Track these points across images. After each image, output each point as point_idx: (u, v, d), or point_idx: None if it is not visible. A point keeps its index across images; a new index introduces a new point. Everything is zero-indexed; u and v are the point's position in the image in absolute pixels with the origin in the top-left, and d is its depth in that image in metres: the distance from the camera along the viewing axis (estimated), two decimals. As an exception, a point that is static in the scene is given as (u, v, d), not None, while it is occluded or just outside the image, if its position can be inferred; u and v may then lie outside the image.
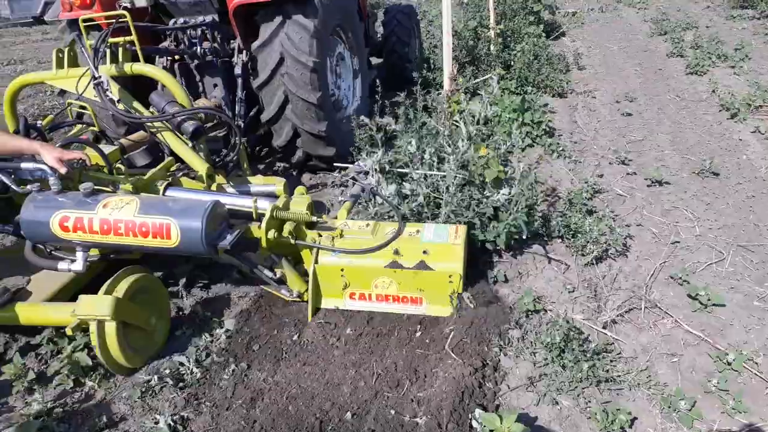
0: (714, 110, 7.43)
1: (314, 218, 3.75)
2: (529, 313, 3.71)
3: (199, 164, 4.22)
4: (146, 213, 3.26)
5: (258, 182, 4.74)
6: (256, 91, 5.39)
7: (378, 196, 4.40)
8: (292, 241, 3.61)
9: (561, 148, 6.30)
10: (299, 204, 3.81)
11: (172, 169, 4.40)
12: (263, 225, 3.52)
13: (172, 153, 4.43)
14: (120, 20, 4.45)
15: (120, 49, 4.46)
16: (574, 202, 5.00)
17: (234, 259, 3.69)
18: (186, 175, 4.38)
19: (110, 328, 3.14)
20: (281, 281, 3.90)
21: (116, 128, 5.36)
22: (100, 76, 4.21)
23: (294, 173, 6.33)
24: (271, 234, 3.53)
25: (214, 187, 4.23)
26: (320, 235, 3.72)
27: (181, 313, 4.03)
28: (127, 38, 4.50)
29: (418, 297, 3.60)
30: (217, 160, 4.69)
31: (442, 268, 3.47)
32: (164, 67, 5.55)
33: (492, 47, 8.44)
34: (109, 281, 3.28)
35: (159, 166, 4.25)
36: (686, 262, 4.29)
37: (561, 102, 8.22)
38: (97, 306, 3.11)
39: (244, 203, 3.91)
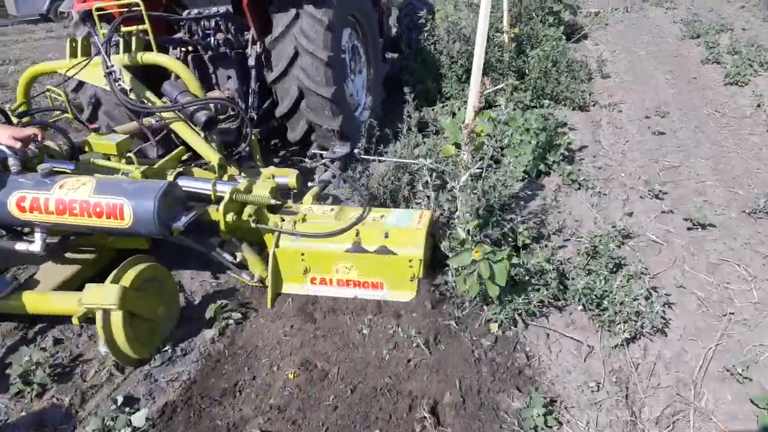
0: (761, 129, 6.35)
1: (273, 201, 3.67)
2: None
3: (212, 154, 4.19)
4: (100, 193, 3.30)
5: (270, 174, 4.57)
6: (271, 86, 5.38)
7: (347, 182, 4.38)
8: (253, 225, 3.59)
9: (582, 178, 5.27)
10: (262, 188, 3.77)
11: (183, 159, 4.39)
12: (221, 208, 3.51)
13: (183, 143, 4.42)
14: (133, 9, 4.45)
15: (133, 39, 4.45)
16: (600, 252, 4.01)
17: (192, 242, 3.64)
18: (198, 165, 4.39)
19: (116, 317, 3.10)
20: (243, 266, 3.82)
21: (136, 118, 5.08)
22: (112, 65, 4.21)
23: (285, 162, 6.14)
24: (230, 217, 3.54)
25: (225, 177, 4.17)
26: (283, 220, 3.71)
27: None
28: (140, 27, 4.45)
29: (379, 282, 3.54)
30: (229, 151, 4.66)
31: (403, 252, 3.41)
32: (177, 59, 5.32)
33: (505, 53, 7.41)
34: (116, 270, 3.23)
35: (169, 156, 4.21)
36: (744, 345, 3.29)
37: (582, 117, 7.17)
38: (103, 295, 3.07)
39: (204, 186, 3.87)
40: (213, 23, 5.34)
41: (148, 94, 4.38)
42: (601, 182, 5.40)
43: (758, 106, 6.96)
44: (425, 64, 7.72)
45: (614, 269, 3.95)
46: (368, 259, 3.48)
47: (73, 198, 3.29)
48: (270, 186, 3.80)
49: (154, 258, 3.57)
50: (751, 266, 4.03)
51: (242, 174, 4.37)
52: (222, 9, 5.24)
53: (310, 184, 4.61)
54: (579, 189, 5.22)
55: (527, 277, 3.47)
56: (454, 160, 3.85)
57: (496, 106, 7.10)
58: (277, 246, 3.62)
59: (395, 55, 8.16)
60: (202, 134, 4.35)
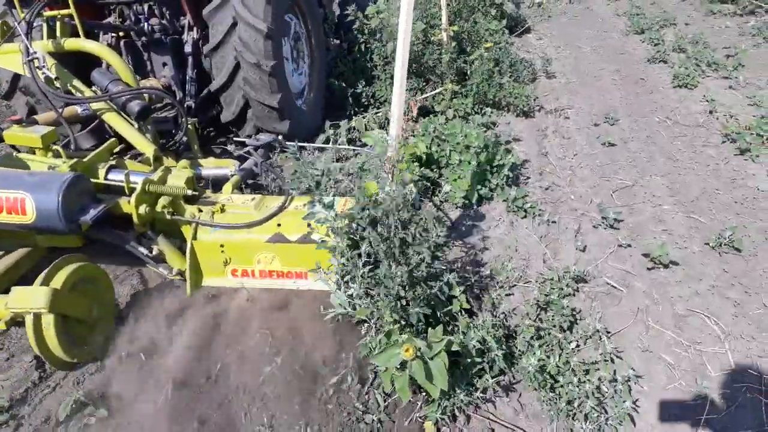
0: (716, 140, 5.84)
1: (189, 192, 3.51)
2: None
3: (146, 146, 4.03)
4: (0, 187, 3.08)
5: (210, 165, 4.42)
6: (207, 57, 5.07)
7: (270, 171, 4.20)
8: (168, 217, 3.44)
9: (529, 204, 4.62)
10: (177, 178, 3.61)
11: (115, 151, 4.13)
12: (133, 199, 3.33)
13: (116, 134, 4.18)
14: None
15: (58, 24, 4.17)
16: (551, 303, 3.38)
17: (105, 236, 3.48)
18: (133, 157, 4.16)
19: (47, 321, 2.93)
20: (160, 259, 3.59)
21: (55, 108, 4.65)
22: (35, 52, 3.93)
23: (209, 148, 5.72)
24: (143, 209, 3.37)
25: (160, 169, 3.82)
26: (200, 210, 3.53)
27: None
28: (64, 12, 4.15)
29: (303, 271, 3.39)
30: (166, 141, 4.50)
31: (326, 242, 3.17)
32: (109, 45, 5.10)
33: (444, 54, 6.67)
34: (45, 271, 3.04)
35: (100, 148, 3.94)
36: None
37: (527, 125, 6.53)
38: (31, 298, 2.89)
39: (117, 178, 3.65)
40: (146, 8, 5.08)
41: (76, 82, 4.10)
42: (550, 207, 4.77)
43: (710, 112, 6.47)
44: (356, 63, 6.92)
45: (569, 326, 3.31)
46: (290, 248, 3.32)
47: None
48: (186, 176, 3.62)
49: (87, 257, 3.35)
50: (721, 317, 3.46)
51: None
52: None
53: (230, 172, 4.30)
54: (525, 217, 4.57)
55: (468, 360, 2.77)
56: (376, 201, 3.10)
57: (434, 113, 6.43)
58: (195, 238, 3.44)
59: (338, 42, 7.39)
60: (136, 125, 4.14)
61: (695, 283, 3.78)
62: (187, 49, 5.21)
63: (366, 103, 6.60)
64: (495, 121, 6.44)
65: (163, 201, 3.51)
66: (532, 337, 3.16)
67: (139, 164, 4.05)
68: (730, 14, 11.19)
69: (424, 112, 6.51)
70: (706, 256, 4.07)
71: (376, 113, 6.37)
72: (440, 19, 6.86)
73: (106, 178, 3.71)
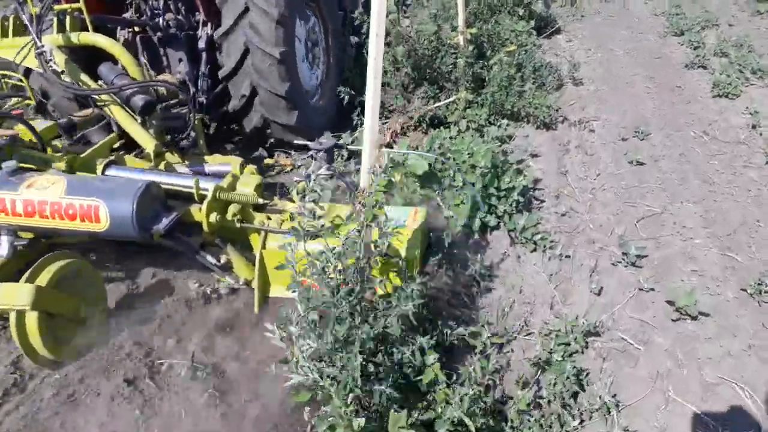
0: (759, 160, 5.19)
1: (261, 200, 3.47)
2: None
3: (147, 141, 3.95)
4: (73, 194, 3.04)
5: (214, 161, 4.31)
6: (218, 43, 4.97)
7: (338, 177, 3.87)
8: (238, 225, 3.34)
9: (540, 234, 4.07)
10: (246, 184, 3.53)
11: (115, 146, 4.12)
12: (204, 207, 3.24)
13: (119, 129, 4.13)
14: None
15: (68, 18, 4.13)
16: (553, 362, 2.86)
17: (174, 244, 3.36)
18: (139, 154, 4.12)
19: (31, 319, 2.83)
20: (227, 267, 3.48)
21: (67, 102, 4.74)
22: (42, 46, 3.92)
23: (260, 154, 5.64)
24: (213, 217, 3.27)
25: (162, 165, 3.93)
26: (269, 218, 3.44)
27: None
28: (74, 6, 4.11)
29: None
30: (172, 137, 4.32)
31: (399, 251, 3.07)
32: (126, 40, 5.03)
33: (459, 59, 6.13)
34: (31, 268, 2.93)
35: (100, 143, 3.94)
36: None
37: (548, 138, 5.94)
38: (15, 295, 2.78)
39: (185, 183, 3.55)
40: (162, 3, 4.99)
41: (83, 76, 4.02)
42: (565, 237, 4.22)
43: (753, 127, 5.79)
44: (365, 68, 6.40)
45: (572, 395, 2.78)
46: None
47: (42, 199, 3.04)
48: (255, 182, 3.54)
49: (77, 254, 3.23)
50: (758, 389, 2.88)
51: (186, 162, 4.16)
52: None
53: (296, 178, 4.22)
54: (535, 250, 4.02)
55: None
56: (349, 248, 2.61)
57: (446, 125, 5.89)
58: (263, 247, 3.33)
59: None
60: (139, 119, 4.05)
61: (728, 340, 3.21)
62: (201, 44, 5.13)
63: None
64: (512, 134, 5.87)
65: (233, 208, 3.40)
66: (525, 410, 2.65)
67: (140, 161, 3.96)
68: (779, 14, 10.35)
69: (437, 122, 5.99)
70: (743, 305, 3.47)
71: (384, 124, 5.88)
72: (457, 20, 6.30)
73: (104, 173, 3.65)
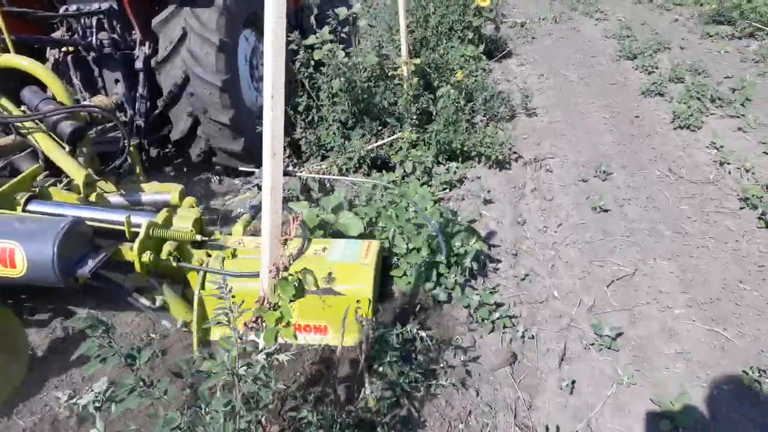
0: (732, 204, 4.66)
1: (198, 237, 3.15)
2: None
3: (76, 171, 3.60)
4: None
5: (151, 190, 3.90)
6: (156, 71, 4.72)
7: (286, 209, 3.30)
8: (174, 264, 3.03)
9: (498, 314, 3.38)
10: (184, 219, 3.25)
11: (39, 178, 3.62)
12: (136, 246, 2.92)
13: (46, 159, 3.72)
14: None
15: None
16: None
17: (103, 286, 3.13)
18: (67, 184, 3.68)
19: None
20: (164, 309, 3.22)
21: None
22: None
23: (207, 178, 5.40)
24: (146, 256, 2.95)
25: (93, 197, 3.57)
26: (209, 255, 3.17)
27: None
28: None
29: (323, 325, 3.04)
30: (106, 164, 4.07)
31: (350, 292, 2.94)
32: (56, 60, 4.81)
33: (402, 94, 5.46)
34: None
35: (21, 175, 3.49)
36: None
37: (502, 179, 5.31)
38: None
39: (116, 219, 3.19)
40: (95, 21, 4.71)
41: (4, 101, 3.79)
42: (526, 310, 3.56)
43: (721, 164, 5.29)
44: (297, 101, 5.69)
45: None
46: (309, 300, 2.89)
47: None
48: (193, 217, 3.29)
49: None
50: None
51: (120, 191, 3.84)
52: (105, 5, 4.62)
53: (240, 210, 3.94)
54: (493, 331, 3.33)
55: None
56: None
57: (390, 166, 5.20)
58: (202, 287, 3.09)
59: None
60: (67, 147, 3.76)
61: (730, 456, 2.57)
62: (138, 65, 4.81)
63: (307, 151, 5.37)
64: (463, 176, 5.23)
65: (168, 246, 3.08)
66: None
67: (66, 193, 3.57)
68: (728, 37, 10.13)
69: (380, 163, 5.29)
70: (737, 401, 2.86)
71: (320, 165, 5.15)
72: (399, 51, 5.65)
73: (24, 210, 3.23)
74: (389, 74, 5.63)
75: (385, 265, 3.57)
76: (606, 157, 5.66)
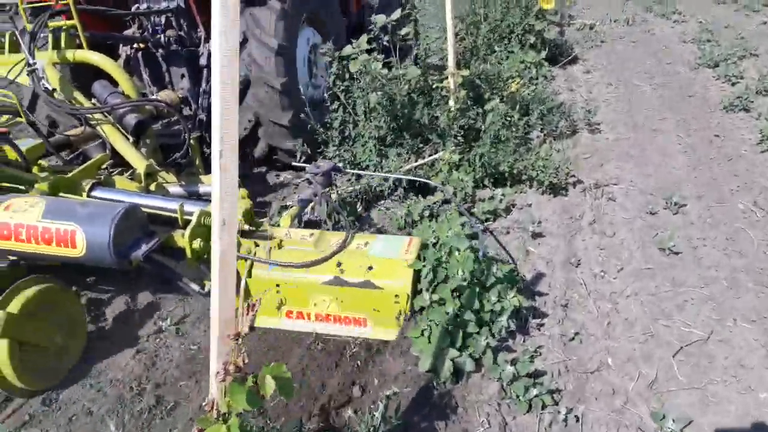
0: (834, 251, 3.85)
1: (246, 227, 3.25)
2: None
3: (138, 161, 3.76)
4: (50, 217, 2.91)
5: (209, 182, 3.93)
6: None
7: (328, 203, 3.75)
8: None
9: (534, 385, 2.78)
10: None
11: (103, 166, 3.93)
12: (187, 233, 3.01)
13: (112, 149, 3.95)
14: (60, 1, 3.97)
15: (63, 35, 4.05)
16: None
17: (156, 270, 3.31)
18: (130, 173, 3.89)
19: (1, 347, 2.71)
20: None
21: (61, 121, 4.70)
22: (35, 63, 3.81)
23: (266, 172, 5.47)
24: (197, 243, 3.04)
25: (153, 186, 3.70)
26: (257, 245, 3.21)
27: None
28: (69, 22, 3.98)
29: (362, 317, 3.08)
30: (167, 156, 4.20)
31: (389, 287, 2.98)
32: (128, 56, 5.07)
33: (451, 105, 4.89)
34: (4, 294, 2.82)
35: (87, 163, 3.77)
36: None
37: (556, 207, 4.66)
38: None
39: (170, 207, 3.35)
40: (164, 19, 4.89)
41: (76, 94, 3.97)
42: (573, 381, 2.94)
43: (820, 199, 4.45)
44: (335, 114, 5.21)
45: None
46: (350, 292, 3.03)
47: (19, 222, 2.89)
48: (244, 207, 3.33)
49: (54, 278, 3.09)
50: None
51: (181, 182, 3.95)
52: (172, 4, 4.76)
53: (289, 203, 4.03)
54: (529, 411, 2.74)
55: None
56: None
57: (429, 189, 4.64)
58: (249, 275, 3.15)
59: None
60: (131, 139, 3.93)
61: None
62: (202, 61, 4.88)
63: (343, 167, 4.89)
64: (511, 203, 4.61)
65: None
66: None
67: (129, 181, 3.73)
68: (826, 41, 8.97)
69: (418, 186, 4.74)
70: None
71: (354, 187, 4.66)
72: (446, 61, 5.07)
73: (89, 196, 3.43)
74: (434, 87, 5.05)
75: None
76: (679, 183, 4.90)
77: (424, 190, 4.70)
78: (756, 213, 4.39)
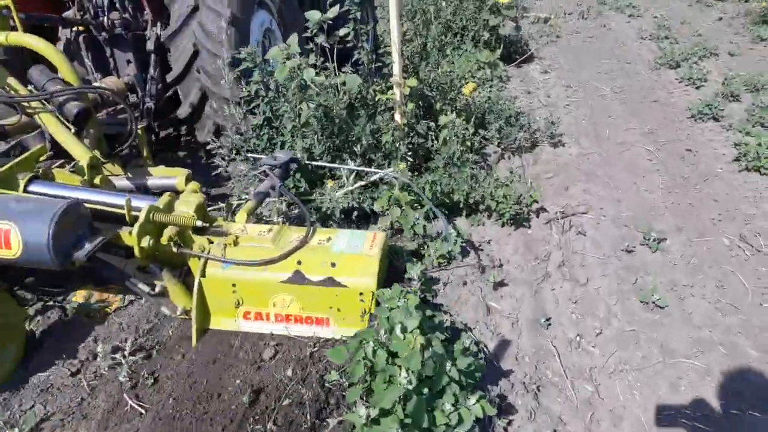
0: (838, 303, 3.24)
1: (199, 223, 2.92)
2: None
3: (81, 152, 3.41)
4: None
5: (158, 174, 3.75)
6: (166, 46, 4.49)
7: (287, 196, 3.50)
8: (175, 250, 2.89)
9: None
10: (186, 204, 3.03)
11: (41, 158, 3.50)
12: (135, 230, 2.78)
13: (52, 139, 3.53)
14: None
15: None
16: None
17: (101, 270, 3.08)
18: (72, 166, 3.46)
19: None
20: (163, 295, 3.08)
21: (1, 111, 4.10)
22: None
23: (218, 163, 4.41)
24: (146, 241, 2.79)
25: (98, 180, 3.37)
26: (211, 242, 2.98)
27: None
28: (0, 3, 3.62)
29: (325, 317, 2.89)
30: (113, 147, 3.84)
31: (353, 284, 2.78)
32: (68, 40, 4.63)
33: (397, 121, 4.08)
34: None
35: (23, 155, 3.33)
36: None
37: (518, 243, 3.94)
38: None
39: (116, 202, 3.03)
40: (106, 0, 4.51)
41: (11, 80, 3.53)
42: None
43: (812, 231, 3.86)
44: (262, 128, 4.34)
45: None
46: (311, 291, 2.81)
47: None
48: (196, 202, 3.03)
49: None
50: None
51: (128, 174, 3.72)
52: None
53: (245, 197, 3.74)
54: None
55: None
56: None
57: (371, 216, 3.83)
58: (203, 274, 2.90)
59: None
60: (73, 129, 3.53)
61: None
62: (149, 45, 4.55)
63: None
64: (468, 238, 3.86)
65: (169, 231, 2.87)
66: None
67: (70, 174, 3.37)
68: (783, 41, 8.55)
69: (360, 214, 3.94)
70: None
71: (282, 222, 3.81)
72: (391, 70, 4.23)
73: (25, 190, 3.06)
74: (377, 99, 4.23)
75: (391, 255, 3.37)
76: (655, 211, 4.26)
77: (368, 217, 3.92)
78: (744, 251, 3.77)
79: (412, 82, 4.14)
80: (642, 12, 10.88)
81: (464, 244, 3.64)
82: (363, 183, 4.04)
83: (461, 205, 4.00)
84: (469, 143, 4.51)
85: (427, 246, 3.60)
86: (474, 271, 3.52)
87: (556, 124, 5.35)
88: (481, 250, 3.79)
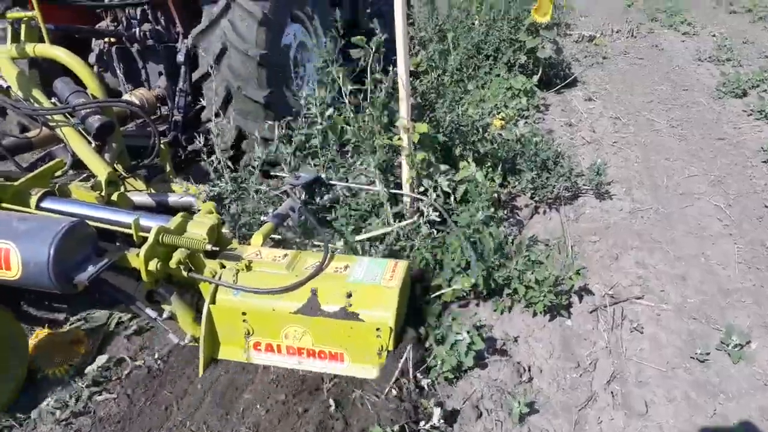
0: None
1: (209, 246, 2.68)
2: None
3: (100, 167, 3.23)
4: None
5: (179, 192, 3.55)
6: (195, 45, 4.28)
7: (305, 216, 3.14)
8: (185, 274, 2.66)
9: None
10: (198, 226, 2.77)
11: (57, 174, 3.30)
12: (142, 252, 2.54)
13: (73, 153, 3.35)
14: None
15: (23, 27, 3.53)
16: None
17: (108, 292, 2.85)
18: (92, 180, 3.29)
19: None
20: (172, 319, 2.86)
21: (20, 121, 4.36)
22: None
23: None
24: (153, 264, 2.55)
25: (115, 196, 3.22)
26: (223, 267, 2.75)
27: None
28: (29, 14, 3.50)
29: (339, 352, 2.64)
30: (136, 162, 3.65)
31: (370, 318, 2.51)
32: (101, 51, 4.68)
33: (405, 174, 3.23)
34: None
35: (39, 170, 3.18)
36: None
37: (554, 342, 3.01)
38: None
39: (125, 221, 2.82)
40: (139, 12, 4.43)
41: (36, 93, 3.38)
42: None
43: None
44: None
45: None
46: (324, 323, 2.56)
47: None
48: (210, 224, 2.77)
49: None
50: None
51: (150, 190, 3.56)
52: None
53: (263, 218, 3.30)
54: None
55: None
56: None
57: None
58: (213, 301, 2.68)
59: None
60: (94, 143, 3.36)
61: None
62: (180, 58, 4.37)
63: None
64: (489, 333, 2.94)
65: (179, 254, 2.63)
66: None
67: (87, 190, 3.13)
68: None
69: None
70: None
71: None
72: (397, 112, 3.36)
73: (38, 207, 2.89)
74: (381, 145, 3.37)
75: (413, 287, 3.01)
76: (731, 296, 3.26)
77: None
78: None
79: (422, 128, 3.25)
80: (698, 30, 9.75)
81: (482, 347, 2.72)
82: (366, 236, 3.23)
83: (489, 290, 3.09)
84: (494, 196, 3.61)
85: (432, 350, 2.70)
86: (493, 392, 2.60)
87: (602, 169, 4.37)
88: (505, 351, 2.87)
